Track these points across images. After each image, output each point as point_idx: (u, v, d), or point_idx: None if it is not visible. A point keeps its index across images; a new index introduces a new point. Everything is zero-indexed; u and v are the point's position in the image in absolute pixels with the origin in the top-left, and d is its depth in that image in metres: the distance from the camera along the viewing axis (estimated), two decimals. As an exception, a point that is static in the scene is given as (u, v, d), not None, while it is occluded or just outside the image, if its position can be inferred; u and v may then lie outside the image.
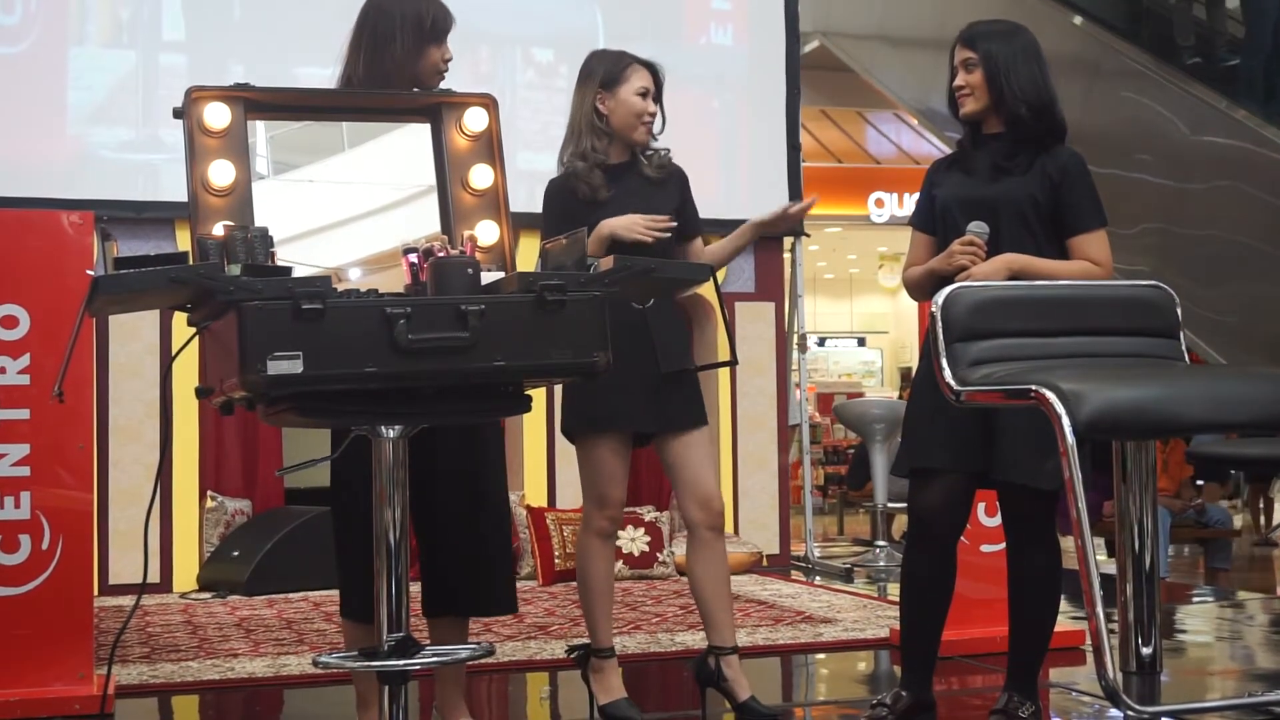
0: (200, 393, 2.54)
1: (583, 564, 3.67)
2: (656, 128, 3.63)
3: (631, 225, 3.47)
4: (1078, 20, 8.93)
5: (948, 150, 3.53)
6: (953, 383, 2.42)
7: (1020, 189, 3.31)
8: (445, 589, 3.15)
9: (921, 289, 3.43)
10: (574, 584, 6.41)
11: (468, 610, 3.22)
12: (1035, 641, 3.39)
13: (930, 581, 3.40)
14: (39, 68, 6.51)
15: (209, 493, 6.61)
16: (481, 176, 2.82)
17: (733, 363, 3.33)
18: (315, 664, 2.57)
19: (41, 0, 6.53)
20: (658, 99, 3.61)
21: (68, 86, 6.56)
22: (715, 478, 3.66)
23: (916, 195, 3.54)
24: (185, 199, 2.70)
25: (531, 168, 6.20)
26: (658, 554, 6.70)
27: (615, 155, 3.61)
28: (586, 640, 3.71)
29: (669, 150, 3.68)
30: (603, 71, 3.61)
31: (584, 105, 3.61)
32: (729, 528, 6.98)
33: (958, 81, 3.39)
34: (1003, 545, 4.22)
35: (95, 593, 4.19)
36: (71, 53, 6.59)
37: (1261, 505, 10.96)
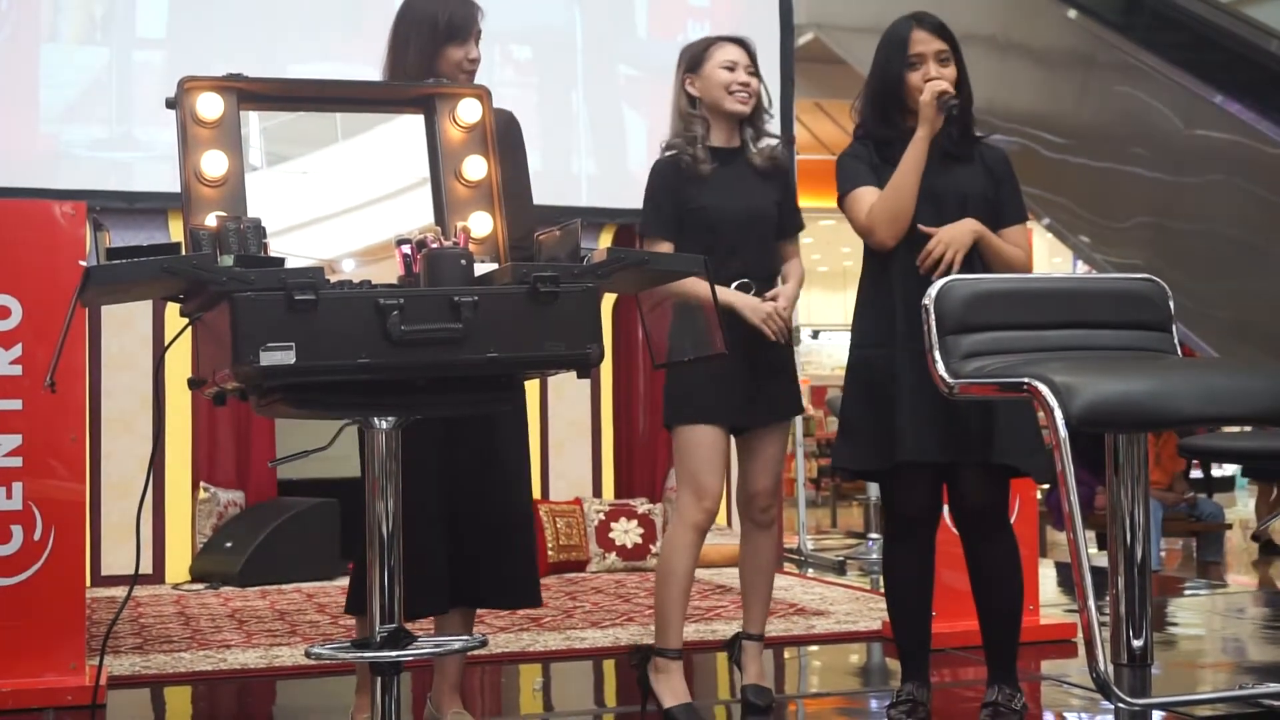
0: (193, 384, 2.54)
1: (669, 556, 3.52)
2: (756, 102, 3.57)
3: (755, 310, 3.45)
4: (1072, 14, 8.92)
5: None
6: (946, 375, 2.42)
7: (971, 180, 3.34)
8: (462, 581, 3.17)
9: (895, 215, 3.28)
10: (568, 576, 6.44)
11: (488, 602, 3.25)
12: (1012, 631, 3.39)
13: (919, 576, 3.41)
14: (11, 65, 6.46)
15: (202, 484, 6.61)
16: (475, 168, 2.82)
17: (723, 354, 3.33)
18: (308, 655, 2.57)
19: (13, -3, 6.51)
20: (755, 72, 3.58)
21: (40, 84, 6.51)
22: (773, 475, 3.63)
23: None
24: (176, 190, 2.69)
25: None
26: (650, 546, 6.71)
27: (719, 138, 3.57)
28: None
29: (780, 142, 3.66)
30: (688, 56, 3.61)
31: (676, 93, 3.61)
32: (721, 519, 6.99)
33: (934, 73, 3.31)
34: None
35: (87, 584, 4.19)
36: (44, 50, 6.55)
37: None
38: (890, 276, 3.34)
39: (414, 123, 2.85)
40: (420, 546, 3.03)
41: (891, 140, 3.35)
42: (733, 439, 3.63)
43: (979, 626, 3.41)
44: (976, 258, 3.31)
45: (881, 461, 3.30)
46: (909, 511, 3.36)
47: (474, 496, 3.18)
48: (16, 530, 3.79)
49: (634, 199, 3.76)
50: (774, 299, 3.50)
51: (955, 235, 3.26)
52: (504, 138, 3.05)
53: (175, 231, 6.32)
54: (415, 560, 2.90)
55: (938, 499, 3.37)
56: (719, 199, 3.51)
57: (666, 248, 3.48)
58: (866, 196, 3.33)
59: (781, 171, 3.65)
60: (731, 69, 3.54)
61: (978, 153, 3.37)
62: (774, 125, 3.70)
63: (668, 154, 3.59)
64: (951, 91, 3.29)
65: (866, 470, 3.47)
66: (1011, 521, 3.46)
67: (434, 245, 2.52)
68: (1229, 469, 14.77)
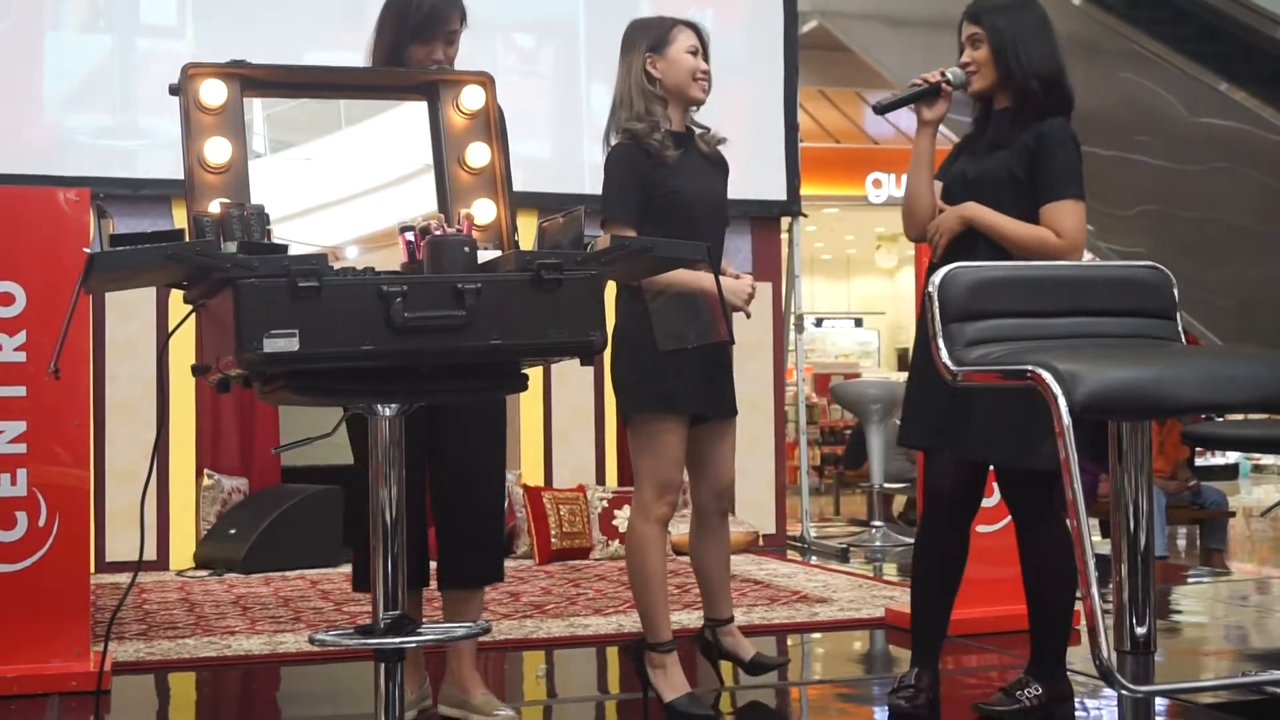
0: (197, 370, 2.54)
1: (639, 555, 3.48)
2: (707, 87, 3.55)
3: (736, 292, 3.43)
4: (1077, 1, 8.90)
5: (944, 131, 3.55)
6: (949, 363, 2.41)
7: (1000, 164, 3.31)
8: (443, 562, 3.27)
9: (907, 210, 3.44)
10: (570, 564, 6.45)
11: (453, 582, 3.32)
12: (1056, 624, 3.38)
13: (939, 558, 3.40)
14: (14, 53, 6.46)
15: (206, 471, 6.62)
16: (478, 155, 2.82)
17: (729, 341, 3.33)
18: (311, 641, 2.57)
19: (16, -14, 6.50)
20: (706, 58, 3.54)
21: (43, 72, 6.51)
22: (733, 468, 3.64)
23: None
24: (179, 177, 2.69)
25: (512, 151, 6.19)
26: (654, 533, 6.71)
27: (673, 121, 3.52)
28: (636, 633, 3.63)
29: (714, 130, 3.61)
30: (649, 35, 3.53)
31: (633, 71, 3.51)
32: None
33: (964, 58, 3.36)
34: (999, 525, 4.25)
35: (92, 570, 4.20)
36: (48, 38, 6.54)
37: None
38: None
39: (417, 110, 2.84)
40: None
41: (972, 126, 3.45)
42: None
43: (1028, 613, 3.43)
44: (981, 241, 3.31)
45: (899, 436, 3.51)
46: (930, 492, 3.42)
47: (458, 480, 3.26)
48: (21, 517, 3.79)
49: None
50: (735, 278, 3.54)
51: (941, 220, 3.34)
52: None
53: (179, 218, 6.33)
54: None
55: (960, 485, 3.36)
56: (689, 184, 3.46)
57: (629, 234, 3.44)
58: None
59: (725, 164, 3.66)
60: (695, 54, 3.51)
61: (1028, 135, 3.29)
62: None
63: (627, 138, 3.49)
64: (924, 79, 3.34)
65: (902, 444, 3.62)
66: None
67: (437, 232, 2.51)
68: (1232, 456, 14.77)
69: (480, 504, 3.35)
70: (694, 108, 3.58)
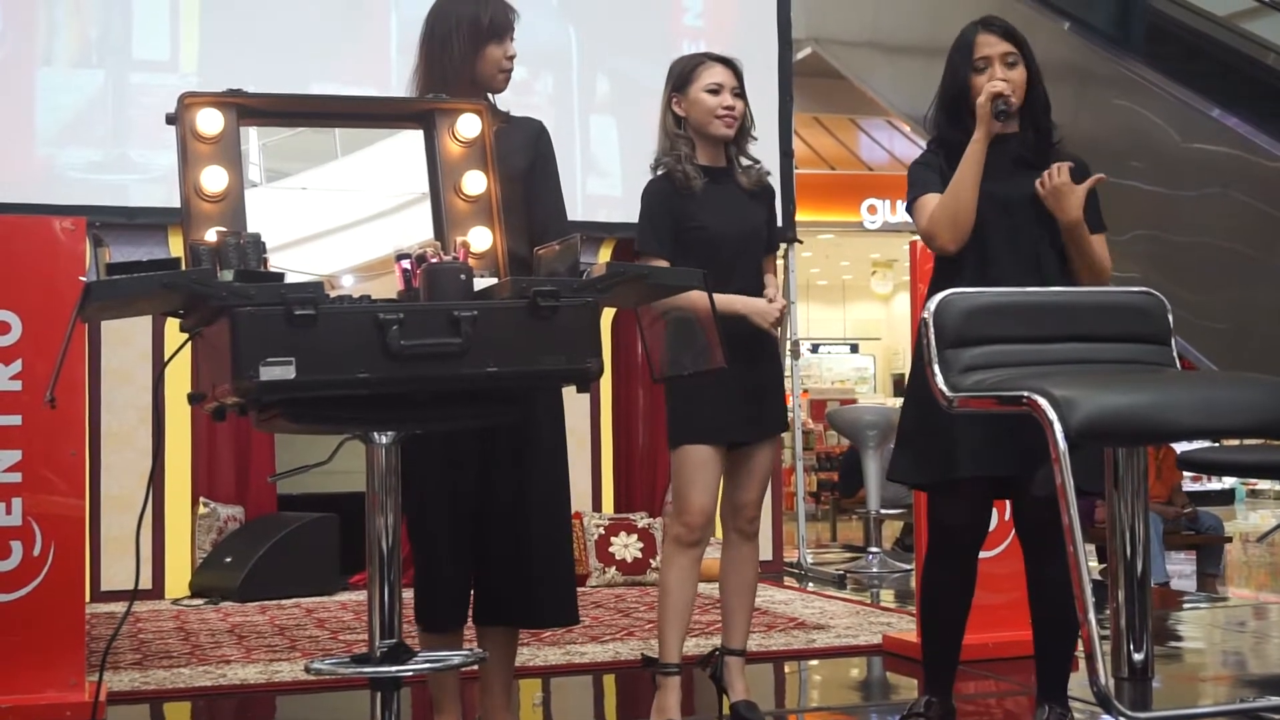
0: (193, 399, 2.54)
1: (661, 571, 3.61)
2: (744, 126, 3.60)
3: (764, 313, 3.49)
4: (1067, 26, 8.95)
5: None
6: (945, 389, 2.42)
7: None
8: (495, 600, 3.14)
9: (954, 218, 3.23)
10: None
11: (518, 621, 3.21)
12: (1063, 649, 3.31)
13: (954, 591, 3.33)
14: (7, 88, 6.47)
15: (201, 499, 6.60)
16: (474, 183, 2.82)
17: (723, 367, 3.33)
18: (308, 670, 2.56)
19: (9, 20, 6.49)
20: (741, 94, 3.58)
21: (36, 106, 6.51)
22: (761, 486, 3.65)
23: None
24: (175, 206, 2.70)
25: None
26: (650, 560, 6.70)
27: (705, 157, 3.59)
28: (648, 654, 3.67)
29: (762, 164, 3.66)
30: (675, 74, 3.62)
31: (663, 112, 3.62)
32: (719, 534, 6.97)
33: (1001, 76, 3.25)
34: (997, 551, 4.24)
35: (87, 599, 4.19)
36: (40, 72, 6.55)
37: None
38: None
39: (413, 138, 2.85)
40: (436, 557, 3.03)
41: (963, 145, 3.27)
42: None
43: (1033, 640, 3.35)
44: (1048, 244, 3.26)
45: (936, 475, 3.23)
46: (949, 527, 3.28)
47: (505, 508, 3.11)
48: (16, 546, 3.79)
49: (630, 214, 3.76)
50: (770, 300, 3.55)
51: (1071, 190, 3.23)
52: (545, 149, 3.27)
53: (175, 247, 6.33)
54: (429, 570, 2.92)
55: (980, 516, 3.29)
56: (717, 219, 3.53)
57: (662, 264, 3.48)
58: (931, 202, 3.28)
59: (768, 192, 3.68)
60: (717, 92, 3.54)
61: (1054, 160, 3.29)
62: (758, 147, 3.70)
63: (659, 172, 3.60)
64: (1007, 93, 3.23)
65: (922, 484, 3.38)
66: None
67: (433, 260, 2.52)
68: (1228, 481, 14.78)
69: (547, 537, 3.16)
70: (732, 144, 3.60)
